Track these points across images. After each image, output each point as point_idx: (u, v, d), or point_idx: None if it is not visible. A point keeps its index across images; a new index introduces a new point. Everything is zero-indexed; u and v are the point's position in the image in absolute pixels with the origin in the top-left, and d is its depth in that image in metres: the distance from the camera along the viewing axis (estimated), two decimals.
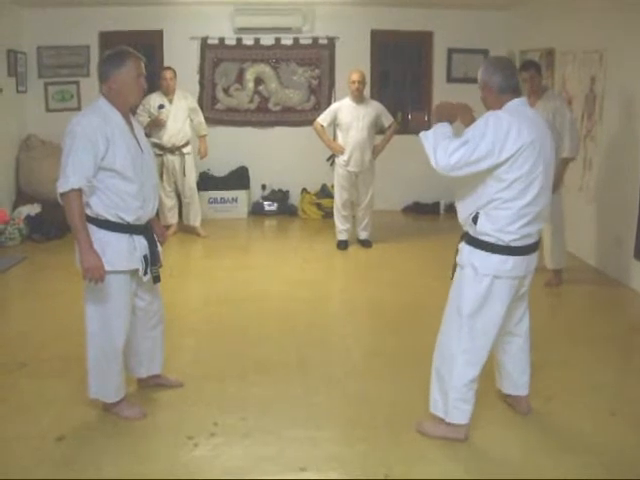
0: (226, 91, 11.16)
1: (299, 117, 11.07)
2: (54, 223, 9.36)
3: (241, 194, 11.04)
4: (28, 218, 9.45)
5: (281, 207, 11.32)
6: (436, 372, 4.39)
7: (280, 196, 11.38)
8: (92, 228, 4.17)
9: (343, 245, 9.17)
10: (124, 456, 4.15)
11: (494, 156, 3.93)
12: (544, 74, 8.25)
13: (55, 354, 5.60)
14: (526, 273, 4.28)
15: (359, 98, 8.66)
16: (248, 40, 11.07)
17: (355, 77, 8.61)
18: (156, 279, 4.51)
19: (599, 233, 8.09)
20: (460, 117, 4.29)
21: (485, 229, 4.08)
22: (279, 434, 4.40)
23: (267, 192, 11.45)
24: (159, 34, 10.92)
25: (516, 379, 4.66)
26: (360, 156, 8.74)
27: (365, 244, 9.26)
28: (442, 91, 11.30)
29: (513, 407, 4.75)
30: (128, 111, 4.41)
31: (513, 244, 4.09)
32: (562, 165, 7.18)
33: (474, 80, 11.22)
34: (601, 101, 8.01)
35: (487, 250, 4.11)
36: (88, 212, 4.17)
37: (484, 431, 4.44)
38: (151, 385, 4.97)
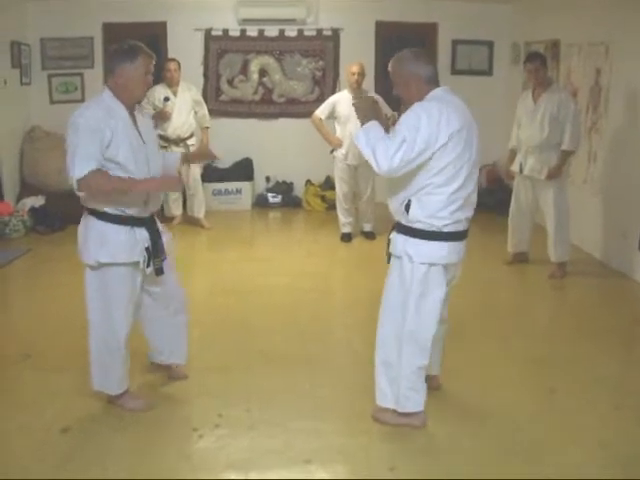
0: (230, 82, 11.14)
1: (303, 109, 10.99)
2: (58, 215, 9.35)
3: (245, 186, 11.02)
4: (32, 210, 9.44)
5: (285, 199, 11.29)
6: (382, 363, 4.40)
7: (284, 188, 11.35)
8: (92, 219, 4.19)
9: (347, 238, 9.16)
10: (129, 448, 4.16)
11: (432, 147, 4.00)
12: (549, 66, 8.21)
13: (59, 346, 5.60)
14: (458, 260, 4.35)
15: (358, 90, 8.58)
16: (252, 31, 11.04)
17: (355, 69, 8.57)
18: (159, 271, 4.45)
19: (604, 225, 8.07)
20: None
21: (417, 216, 4.12)
22: (284, 426, 4.41)
23: (271, 184, 11.42)
24: (163, 25, 10.89)
25: (433, 362, 4.66)
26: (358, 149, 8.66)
27: (369, 236, 9.25)
28: (446, 83, 11.14)
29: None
30: (133, 105, 4.34)
31: (446, 229, 4.14)
32: (562, 157, 7.19)
33: (478, 72, 11.33)
34: (606, 93, 7.98)
35: (421, 237, 4.16)
36: (90, 204, 4.18)
37: (488, 423, 4.44)
38: (157, 371, 4.98)
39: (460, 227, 4.23)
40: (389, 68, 4.35)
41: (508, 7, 10.92)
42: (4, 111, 9.62)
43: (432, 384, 4.83)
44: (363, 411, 4.57)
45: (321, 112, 8.82)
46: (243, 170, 11.17)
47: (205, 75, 11.03)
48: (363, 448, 4.19)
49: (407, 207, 4.14)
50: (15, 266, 8.01)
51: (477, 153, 4.24)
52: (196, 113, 9.55)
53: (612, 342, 5.80)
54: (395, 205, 4.26)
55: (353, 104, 4.49)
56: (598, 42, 8.08)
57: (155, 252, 4.38)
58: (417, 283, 4.19)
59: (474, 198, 4.31)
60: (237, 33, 11.04)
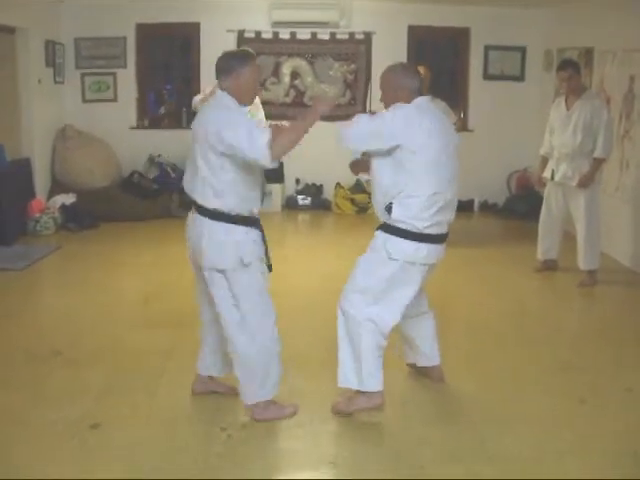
0: (262, 85, 11.15)
1: (334, 112, 10.96)
2: (89, 213, 9.44)
3: (275, 188, 11.02)
4: (63, 207, 9.52)
5: (315, 201, 11.31)
6: (345, 344, 4.51)
7: (314, 190, 11.37)
8: (215, 224, 4.22)
9: None
10: (158, 444, 4.18)
11: (398, 139, 4.23)
12: (582, 73, 8.14)
13: (89, 343, 5.66)
14: (437, 261, 4.54)
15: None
16: (285, 34, 11.05)
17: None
18: (270, 268, 4.61)
19: (635, 234, 8.01)
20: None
21: (400, 217, 4.31)
22: (310, 428, 4.41)
23: (301, 186, 11.45)
24: (196, 27, 10.95)
25: (427, 352, 4.99)
26: None
27: None
28: (478, 88, 11.27)
29: (428, 376, 5.04)
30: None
31: (427, 231, 4.34)
32: (594, 165, 7.14)
33: (511, 77, 11.25)
34: None
35: (401, 236, 4.34)
36: (223, 209, 4.19)
37: (516, 432, 4.41)
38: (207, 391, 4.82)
39: (441, 230, 4.44)
40: (381, 78, 4.60)
41: (541, 13, 10.86)
42: (38, 109, 9.70)
43: (433, 375, 5.04)
44: (391, 414, 4.59)
45: None
46: (273, 172, 11.11)
47: None
48: (391, 452, 4.18)
49: (389, 209, 4.33)
50: (45, 263, 8.06)
51: (456, 160, 4.46)
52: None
53: None
54: (379, 208, 4.45)
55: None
56: (633, 49, 8.02)
57: (266, 249, 4.48)
58: (389, 277, 4.39)
59: (455, 202, 4.53)
60: (269, 35, 11.05)
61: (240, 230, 4.25)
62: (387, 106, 4.50)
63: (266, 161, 4.06)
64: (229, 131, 4.04)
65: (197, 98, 8.31)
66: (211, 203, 4.19)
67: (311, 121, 4.26)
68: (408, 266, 4.37)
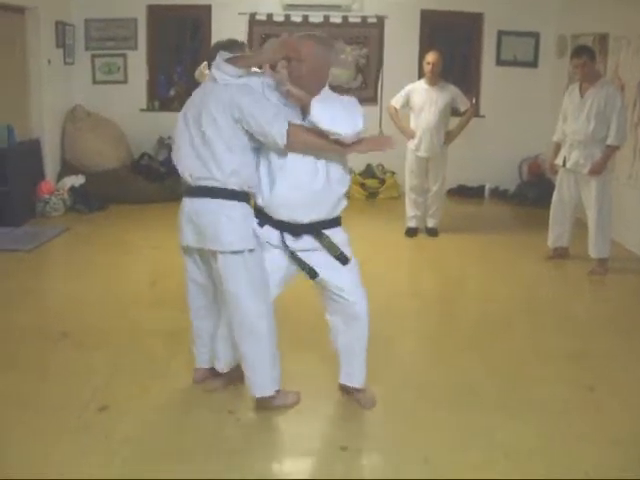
0: (273, 68, 11.07)
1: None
2: (98, 194, 9.43)
3: None
4: (72, 189, 9.51)
5: None
6: (352, 347, 4.50)
7: None
8: (243, 205, 4.19)
9: (412, 232, 8.80)
10: (166, 427, 4.18)
11: None
12: (596, 60, 8.06)
13: (97, 325, 5.65)
14: None
15: (433, 80, 8.36)
16: (296, 17, 11.00)
17: (430, 58, 8.31)
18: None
19: None
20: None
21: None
22: (320, 412, 4.41)
23: None
24: (207, 8, 10.90)
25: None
26: (430, 140, 8.39)
27: (431, 233, 8.83)
28: (491, 74, 11.19)
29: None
30: None
31: None
32: (607, 153, 7.07)
33: (524, 64, 11.13)
34: None
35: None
36: (237, 187, 4.13)
37: (525, 419, 4.38)
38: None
39: None
40: (309, 51, 4.33)
41: None
42: (47, 90, 9.68)
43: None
44: (399, 401, 4.57)
45: (396, 102, 8.54)
46: None
47: None
48: (399, 437, 4.15)
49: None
50: (54, 244, 8.07)
51: None
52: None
53: None
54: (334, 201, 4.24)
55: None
56: None
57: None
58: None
59: None
60: (281, 18, 11.00)
61: (248, 207, 4.19)
62: (308, 88, 4.25)
63: (282, 142, 3.92)
64: (256, 105, 4.10)
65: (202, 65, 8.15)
66: (227, 182, 4.09)
67: (342, 150, 4.08)
68: None
